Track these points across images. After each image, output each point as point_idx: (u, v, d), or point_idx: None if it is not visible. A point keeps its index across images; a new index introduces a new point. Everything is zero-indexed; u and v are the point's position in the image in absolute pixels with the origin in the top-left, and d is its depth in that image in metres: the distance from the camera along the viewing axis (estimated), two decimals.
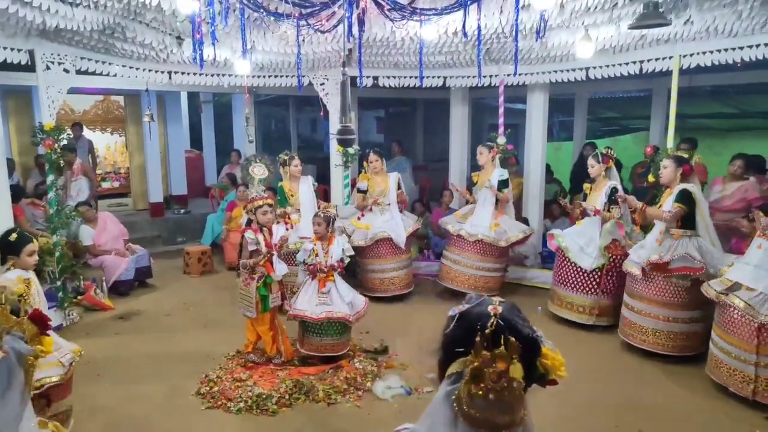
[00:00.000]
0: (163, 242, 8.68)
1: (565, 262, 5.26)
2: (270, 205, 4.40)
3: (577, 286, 5.16)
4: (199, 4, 3.32)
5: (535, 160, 6.83)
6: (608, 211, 5.05)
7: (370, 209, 6.13)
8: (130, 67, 5.80)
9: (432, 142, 11.92)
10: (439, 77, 6.69)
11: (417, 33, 5.13)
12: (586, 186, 5.46)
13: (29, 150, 8.52)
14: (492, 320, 1.17)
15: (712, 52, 4.91)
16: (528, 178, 6.92)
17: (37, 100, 5.78)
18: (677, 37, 4.96)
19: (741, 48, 4.72)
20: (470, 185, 6.69)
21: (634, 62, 5.48)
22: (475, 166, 6.49)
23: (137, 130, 9.40)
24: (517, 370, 1.14)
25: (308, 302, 4.34)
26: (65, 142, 5.30)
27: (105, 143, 9.92)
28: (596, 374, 4.32)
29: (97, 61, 5.50)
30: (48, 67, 5.16)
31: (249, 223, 4.40)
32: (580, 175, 7.44)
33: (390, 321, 5.39)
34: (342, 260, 4.49)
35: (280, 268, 4.38)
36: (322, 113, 6.37)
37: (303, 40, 5.16)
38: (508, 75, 6.34)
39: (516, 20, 3.68)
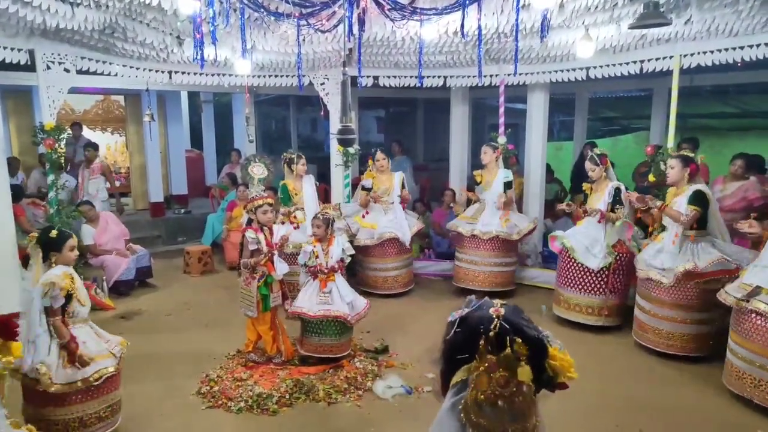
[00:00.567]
0: (163, 242, 8.68)
1: (570, 264, 5.18)
2: (270, 205, 4.40)
3: (585, 287, 5.09)
4: (200, 4, 3.32)
5: (536, 159, 6.82)
6: (613, 211, 5.03)
7: (375, 202, 6.20)
8: (131, 67, 5.81)
9: (432, 141, 11.92)
10: (439, 77, 6.69)
11: (417, 33, 5.13)
12: (586, 186, 5.42)
13: (30, 150, 8.53)
14: (495, 322, 1.11)
15: (712, 51, 4.91)
16: (528, 177, 6.92)
17: (38, 99, 5.79)
18: (678, 36, 4.96)
19: (741, 48, 4.72)
20: (470, 184, 6.70)
21: (635, 62, 5.48)
22: (475, 166, 6.50)
23: (137, 129, 9.40)
24: (525, 373, 1.07)
25: (308, 300, 4.35)
26: (64, 141, 5.31)
27: (105, 143, 9.96)
28: (601, 375, 4.30)
29: (97, 61, 5.50)
30: (48, 67, 5.16)
31: (249, 222, 4.40)
32: (580, 175, 7.42)
33: (390, 320, 5.39)
34: (342, 260, 4.49)
35: (280, 268, 4.39)
36: (322, 113, 6.37)
37: (303, 40, 5.16)
38: (509, 75, 6.34)
39: (516, 20, 3.67)
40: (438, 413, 1.12)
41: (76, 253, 3.26)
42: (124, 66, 5.74)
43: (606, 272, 5.02)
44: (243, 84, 6.49)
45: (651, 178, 5.37)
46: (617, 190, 5.05)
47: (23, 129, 8.57)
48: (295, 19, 3.67)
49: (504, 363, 1.06)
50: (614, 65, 5.64)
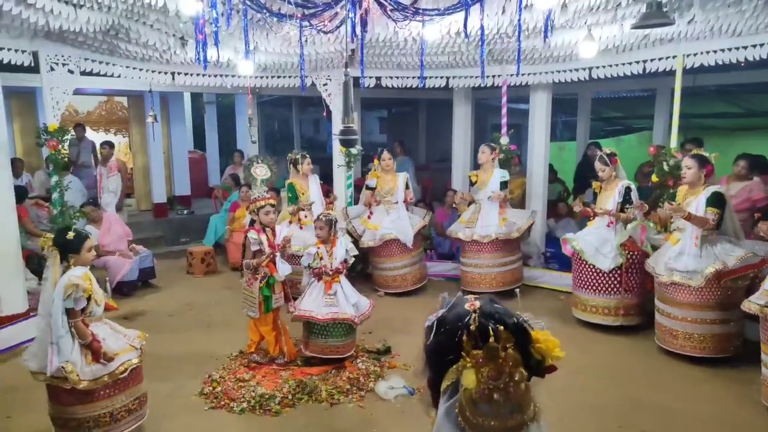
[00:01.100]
0: (166, 243, 8.70)
1: (582, 266, 5.13)
2: (272, 206, 4.41)
3: (598, 288, 5.05)
4: (203, 5, 3.33)
5: (538, 160, 6.81)
6: (623, 210, 5.00)
7: (377, 204, 6.23)
8: (134, 68, 5.83)
9: (434, 142, 11.92)
10: (441, 77, 6.69)
11: (419, 33, 5.13)
12: (595, 185, 5.33)
13: (33, 151, 8.56)
14: (473, 316, 1.08)
15: (715, 51, 4.90)
16: (531, 178, 6.91)
17: (41, 101, 5.81)
18: (681, 36, 4.94)
19: (745, 47, 4.71)
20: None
21: (638, 62, 5.47)
22: (478, 166, 6.48)
23: (141, 130, 9.43)
24: (514, 359, 1.04)
25: (314, 303, 4.34)
26: (68, 143, 5.33)
27: None
28: (607, 374, 4.31)
29: (101, 62, 5.52)
30: (52, 69, 5.18)
31: (252, 223, 4.41)
32: (583, 175, 7.42)
33: (393, 321, 5.39)
34: (346, 261, 4.49)
35: (283, 269, 4.39)
36: (324, 114, 6.39)
37: (306, 41, 5.16)
38: (511, 75, 6.33)
39: (519, 20, 3.67)
40: (435, 423, 1.08)
41: (94, 253, 3.29)
42: (127, 67, 5.76)
43: (619, 272, 4.96)
44: (246, 85, 6.51)
45: (654, 178, 5.35)
46: (627, 189, 5.02)
47: (27, 130, 8.60)
48: (298, 20, 3.67)
49: (491, 354, 1.01)
50: (617, 65, 5.63)
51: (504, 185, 6.00)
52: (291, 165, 6.25)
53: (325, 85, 6.75)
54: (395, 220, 6.15)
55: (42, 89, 5.27)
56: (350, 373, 4.27)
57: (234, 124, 11.43)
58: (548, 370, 1.13)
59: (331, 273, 4.38)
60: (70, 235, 3.15)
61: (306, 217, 6.01)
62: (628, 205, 5.00)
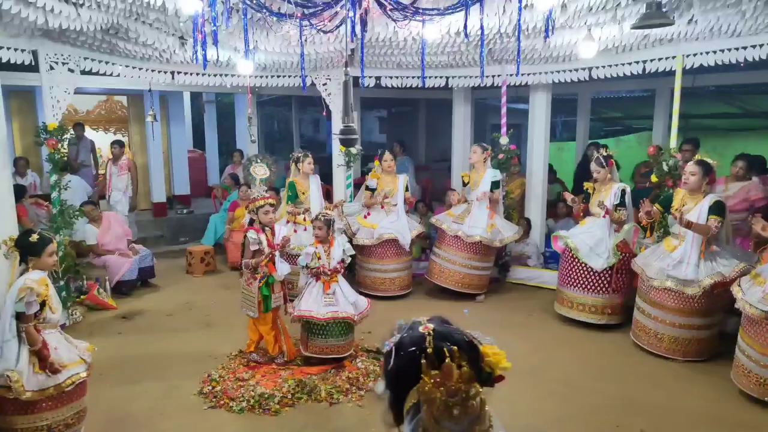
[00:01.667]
0: (166, 242, 8.69)
1: (574, 263, 5.17)
2: (272, 205, 4.41)
3: (589, 287, 5.10)
4: (203, 4, 3.32)
5: (538, 160, 6.82)
6: (615, 211, 5.03)
7: (382, 207, 6.19)
8: (134, 68, 5.82)
9: (434, 142, 11.91)
10: (441, 77, 6.69)
11: (419, 33, 5.12)
12: (588, 185, 5.40)
13: (33, 150, 8.55)
14: (428, 339, 1.16)
15: (715, 52, 4.90)
16: (531, 178, 6.91)
17: (41, 100, 5.80)
18: (680, 36, 4.95)
19: (744, 48, 4.71)
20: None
21: (637, 62, 5.47)
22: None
23: (140, 130, 9.42)
24: (468, 376, 1.13)
25: (314, 303, 4.34)
26: (67, 142, 5.33)
27: (108, 143, 9.95)
28: (601, 374, 4.31)
29: (100, 62, 5.51)
30: (52, 68, 5.17)
31: (251, 223, 4.40)
32: (583, 176, 7.41)
33: (391, 321, 5.36)
34: (343, 260, 4.49)
35: (282, 268, 4.39)
36: (324, 113, 6.38)
37: (306, 40, 5.15)
38: (511, 75, 6.33)
39: (519, 20, 3.66)
40: None
41: (55, 258, 3.17)
42: (126, 66, 5.75)
43: (610, 272, 5.02)
44: (245, 84, 6.50)
45: (653, 178, 5.36)
46: (623, 192, 5.07)
47: (27, 129, 8.59)
48: (298, 20, 3.67)
49: (448, 373, 1.11)
50: (617, 65, 5.63)
51: (495, 185, 5.96)
52: (293, 163, 6.26)
53: (324, 84, 6.75)
54: (394, 221, 6.11)
55: (41, 88, 5.26)
56: (349, 372, 4.27)
57: (233, 124, 11.42)
58: (497, 380, 1.22)
59: (329, 273, 4.37)
60: (34, 237, 3.06)
61: (304, 220, 5.99)
62: (620, 207, 5.04)
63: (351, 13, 3.14)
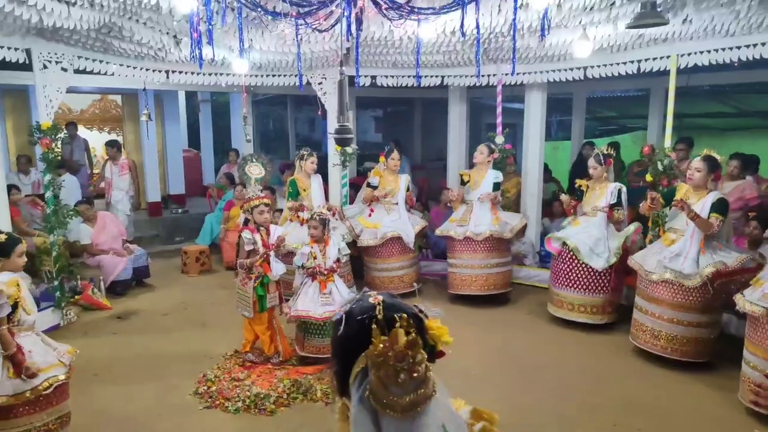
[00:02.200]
0: (161, 242, 8.66)
1: (572, 264, 5.07)
2: (267, 205, 4.40)
3: (589, 287, 5.03)
4: (197, 3, 3.31)
5: (533, 159, 6.83)
6: (612, 210, 5.04)
7: (377, 201, 6.19)
8: (128, 66, 5.79)
9: (430, 141, 11.92)
10: (437, 76, 6.69)
11: (415, 32, 5.12)
12: (581, 183, 5.37)
13: (27, 149, 8.50)
14: (378, 307, 1.21)
15: (709, 51, 4.91)
16: (526, 177, 6.92)
17: (34, 98, 5.77)
18: (675, 36, 4.96)
19: (738, 47, 4.72)
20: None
21: (632, 61, 5.48)
22: (473, 165, 6.48)
23: (135, 129, 9.39)
24: (415, 343, 1.17)
25: (310, 303, 4.33)
26: (61, 141, 5.31)
27: (102, 142, 9.92)
28: (599, 373, 4.32)
29: (94, 60, 5.48)
30: (45, 66, 5.14)
31: (246, 222, 4.39)
32: (578, 175, 7.42)
33: None
34: (339, 260, 4.49)
35: (277, 268, 4.38)
36: (320, 112, 6.37)
37: (301, 40, 5.15)
38: (506, 74, 6.33)
39: (514, 19, 3.67)
40: (351, 409, 1.21)
41: (25, 259, 3.09)
42: (121, 65, 5.72)
43: (609, 271, 5.00)
44: (240, 83, 6.49)
45: (648, 177, 5.38)
46: (620, 191, 5.07)
47: (20, 128, 8.55)
48: (293, 19, 3.66)
49: (397, 339, 1.16)
50: (611, 65, 5.64)
51: (497, 186, 5.95)
52: (297, 160, 6.31)
53: (320, 83, 6.74)
54: (396, 219, 6.10)
55: (35, 87, 5.23)
56: None
57: (229, 123, 11.40)
58: (438, 355, 1.27)
59: (325, 272, 4.37)
60: (1, 237, 2.97)
61: (300, 216, 5.99)
62: (618, 207, 5.04)
63: (346, 12, 3.13)
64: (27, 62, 5.04)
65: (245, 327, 4.54)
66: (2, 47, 4.74)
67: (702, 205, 4.23)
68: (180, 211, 9.47)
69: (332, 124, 6.58)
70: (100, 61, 5.53)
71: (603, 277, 5.02)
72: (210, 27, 3.33)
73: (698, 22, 4.62)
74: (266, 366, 4.38)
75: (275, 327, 4.50)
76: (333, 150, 6.83)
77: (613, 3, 4.48)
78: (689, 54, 5.04)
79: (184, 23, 4.38)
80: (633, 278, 4.88)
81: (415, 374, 1.15)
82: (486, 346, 4.80)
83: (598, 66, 5.75)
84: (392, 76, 6.70)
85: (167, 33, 5.18)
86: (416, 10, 3.66)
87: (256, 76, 6.64)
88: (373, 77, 6.69)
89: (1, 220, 4.87)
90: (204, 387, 4.07)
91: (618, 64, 5.59)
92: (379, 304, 1.23)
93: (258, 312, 4.34)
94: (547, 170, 7.86)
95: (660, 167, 5.18)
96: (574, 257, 5.06)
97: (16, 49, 4.87)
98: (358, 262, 6.39)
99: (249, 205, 4.37)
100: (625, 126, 12.91)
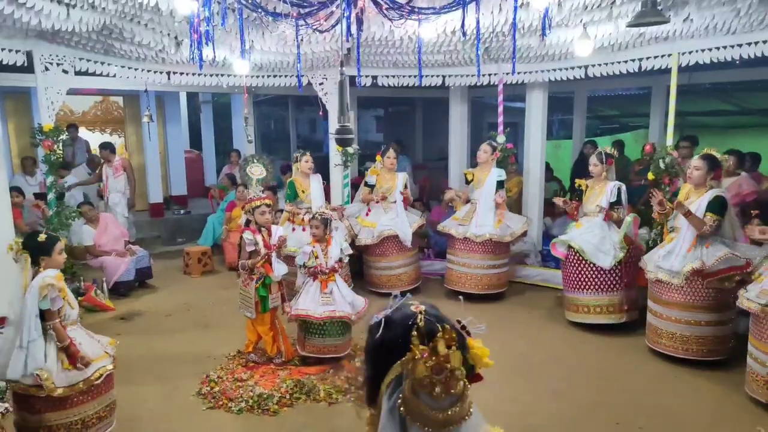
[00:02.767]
0: (163, 243, 8.68)
1: (581, 265, 4.99)
2: (268, 206, 4.40)
3: (601, 287, 4.95)
4: (197, 4, 3.31)
5: (535, 158, 6.82)
6: (612, 210, 5.03)
7: (377, 202, 6.19)
8: (129, 68, 5.81)
9: (431, 141, 11.92)
10: (438, 76, 6.69)
11: (415, 32, 5.13)
12: (581, 182, 5.35)
13: (29, 151, 8.52)
14: (419, 316, 1.17)
15: (711, 49, 4.91)
16: (527, 176, 6.92)
17: (36, 101, 5.78)
18: (676, 34, 4.96)
19: (740, 45, 4.72)
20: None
21: (633, 60, 5.48)
22: (475, 165, 6.48)
23: (136, 130, 9.40)
24: (456, 358, 1.12)
25: (311, 302, 4.33)
26: (62, 143, 5.32)
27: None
28: (602, 372, 4.32)
29: (95, 62, 5.50)
30: (46, 68, 5.16)
31: (248, 223, 4.40)
32: (580, 174, 7.43)
33: None
34: (341, 260, 4.49)
35: (279, 269, 4.38)
36: (321, 113, 6.38)
37: (302, 40, 5.15)
38: (507, 73, 6.33)
39: (514, 18, 3.67)
40: (381, 417, 1.16)
41: (65, 256, 3.23)
42: (122, 67, 5.74)
43: (619, 267, 4.93)
44: (242, 84, 6.50)
45: (650, 176, 5.37)
46: (620, 190, 5.04)
47: (22, 130, 8.57)
48: (293, 19, 3.66)
49: (436, 350, 1.11)
50: (613, 63, 5.64)
51: (501, 185, 5.96)
52: (294, 162, 6.29)
53: (321, 84, 6.75)
54: (393, 218, 6.11)
55: (36, 89, 5.24)
56: (348, 372, 4.26)
57: (230, 124, 11.41)
58: (475, 378, 1.21)
59: (326, 272, 4.37)
60: (42, 237, 3.11)
61: (303, 220, 5.99)
62: (618, 206, 5.03)
63: (346, 13, 3.14)
64: (28, 64, 5.06)
65: (248, 327, 4.54)
66: (3, 50, 4.76)
67: (699, 203, 4.21)
68: (182, 212, 9.48)
69: (333, 125, 6.59)
70: (102, 63, 5.55)
71: (613, 275, 4.94)
72: (209, 28, 3.34)
73: (699, 20, 4.61)
74: (269, 366, 4.39)
75: (278, 327, 4.50)
76: (334, 150, 6.83)
77: (614, 2, 4.48)
78: (690, 52, 5.03)
79: (185, 24, 4.39)
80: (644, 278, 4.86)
81: (452, 390, 1.10)
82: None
83: (599, 65, 5.75)
84: (393, 76, 6.71)
85: (168, 34, 5.19)
86: (417, 10, 3.66)
87: (257, 76, 6.65)
88: (374, 77, 6.69)
89: (4, 222, 4.88)
90: (207, 387, 4.07)
91: (619, 62, 5.59)
92: (420, 312, 1.19)
93: (260, 312, 4.34)
94: (548, 169, 7.86)
95: (661, 165, 5.18)
96: (581, 259, 4.99)
97: (17, 52, 4.89)
98: (358, 262, 6.40)
99: (250, 206, 4.37)
100: (626, 124, 12.90)
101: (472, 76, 6.51)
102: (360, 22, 3.53)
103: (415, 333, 1.14)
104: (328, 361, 4.38)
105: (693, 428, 3.56)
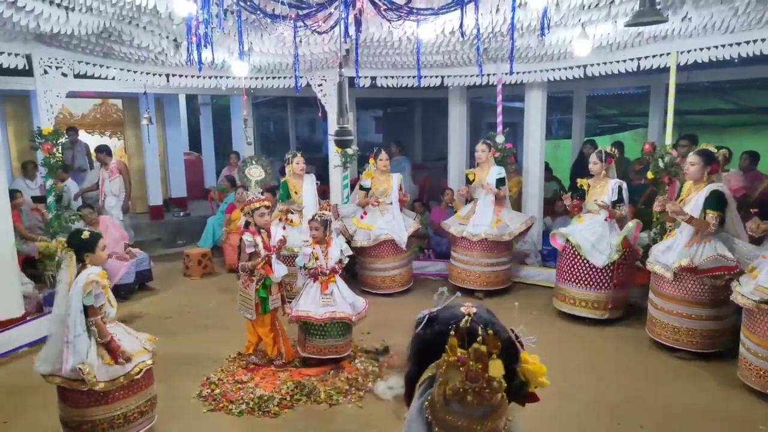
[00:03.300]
0: (163, 245, 8.67)
1: (575, 260, 5.16)
2: (267, 207, 4.40)
3: (591, 283, 5.10)
4: (196, 7, 3.32)
5: (534, 158, 6.83)
6: (614, 208, 5.06)
7: (373, 205, 6.20)
8: (128, 71, 5.81)
9: (430, 141, 11.92)
10: (436, 77, 6.69)
11: (414, 33, 5.13)
12: (582, 182, 5.40)
13: (28, 154, 8.53)
14: (467, 318, 1.06)
15: (709, 48, 4.92)
16: (527, 176, 6.92)
17: (36, 104, 5.78)
18: (674, 33, 4.96)
19: (738, 44, 4.72)
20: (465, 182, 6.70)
21: (632, 59, 5.48)
22: (474, 165, 6.49)
23: (136, 133, 9.40)
24: (497, 368, 1.00)
25: (311, 303, 4.33)
26: (62, 146, 5.32)
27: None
28: (602, 370, 4.32)
29: (94, 65, 5.50)
30: (46, 72, 5.16)
31: (247, 225, 4.40)
32: (579, 173, 7.44)
33: (390, 321, 5.38)
34: (341, 261, 4.49)
35: (279, 270, 4.38)
36: (320, 114, 6.38)
37: (300, 41, 5.16)
38: (506, 73, 6.33)
39: (512, 18, 3.67)
40: (407, 417, 1.07)
41: (107, 252, 3.33)
42: (121, 69, 5.74)
43: (611, 267, 5.03)
44: (241, 86, 6.50)
45: (649, 175, 5.38)
46: (620, 188, 5.10)
47: (22, 134, 8.57)
48: (292, 21, 3.67)
49: (475, 356, 1.00)
50: (611, 63, 5.65)
51: (501, 182, 6.00)
52: (287, 164, 6.28)
53: (320, 85, 6.75)
54: (390, 221, 6.13)
55: (36, 92, 5.24)
56: (349, 373, 4.27)
57: (229, 126, 11.42)
58: (530, 397, 1.10)
59: (327, 273, 4.37)
60: (85, 234, 3.20)
61: (292, 222, 5.99)
62: (619, 204, 5.06)
63: (344, 15, 3.14)
64: (28, 68, 5.06)
65: (248, 329, 4.54)
66: (3, 53, 4.76)
67: (696, 199, 4.22)
68: (182, 214, 9.48)
69: (332, 126, 6.59)
70: (101, 66, 5.55)
71: (605, 274, 5.06)
72: (208, 30, 3.34)
73: (697, 19, 4.62)
74: (269, 368, 4.38)
75: (278, 329, 4.50)
76: (334, 151, 6.83)
77: (612, 1, 4.48)
78: (689, 51, 5.04)
79: (184, 27, 4.39)
80: (644, 276, 4.98)
81: (486, 401, 0.98)
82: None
83: (598, 64, 5.75)
84: (392, 77, 6.71)
85: (167, 37, 5.19)
86: (415, 10, 3.67)
87: (256, 78, 6.65)
88: (373, 78, 6.70)
89: (4, 225, 4.88)
90: (208, 390, 4.07)
91: (618, 62, 5.59)
92: (469, 315, 1.07)
93: (261, 314, 4.34)
94: (548, 169, 7.86)
95: (661, 164, 5.18)
96: (576, 253, 5.14)
97: (16, 55, 4.89)
98: (353, 262, 6.39)
99: (249, 208, 4.37)
100: (625, 124, 12.90)
101: (471, 76, 6.52)
102: (358, 23, 3.54)
103: (452, 333, 1.03)
104: (328, 362, 4.38)
105: (694, 423, 3.56)
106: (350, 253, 4.71)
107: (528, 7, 4.61)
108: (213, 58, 5.49)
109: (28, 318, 5.00)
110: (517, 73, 6.27)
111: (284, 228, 5.87)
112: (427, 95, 9.93)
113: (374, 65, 6.47)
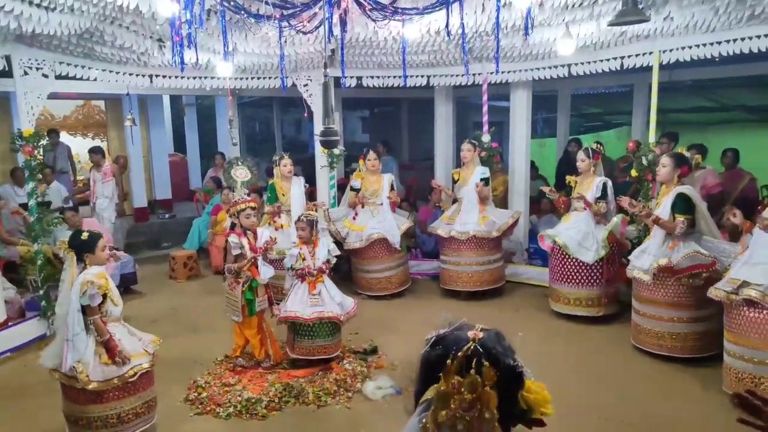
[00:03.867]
0: (148, 247, 8.58)
1: (564, 260, 5.20)
2: (253, 208, 4.37)
3: (582, 281, 5.13)
4: (179, 7, 3.28)
5: (520, 157, 6.86)
6: (596, 204, 5.12)
7: (362, 206, 6.18)
8: (111, 71, 5.72)
9: (417, 141, 11.94)
10: (422, 76, 6.69)
11: (399, 33, 5.13)
12: (571, 179, 5.46)
13: (9, 157, 8.38)
14: (469, 345, 1.08)
15: (691, 47, 4.98)
16: (513, 175, 6.95)
17: (16, 105, 5.68)
18: (657, 33, 5.02)
19: (719, 43, 4.79)
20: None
21: (615, 58, 5.53)
22: (460, 165, 6.51)
23: (119, 134, 9.30)
24: (490, 398, 1.04)
25: (299, 304, 4.31)
26: (43, 149, 5.23)
27: (86, 149, 9.80)
28: (590, 368, 4.35)
29: (76, 66, 5.41)
30: (26, 73, 5.06)
31: (233, 226, 4.37)
32: (565, 172, 7.49)
33: (379, 321, 5.38)
34: (329, 261, 4.48)
35: (265, 272, 4.36)
36: (306, 114, 6.35)
37: (285, 42, 5.13)
38: (491, 73, 6.35)
39: (497, 18, 3.69)
40: (408, 425, 1.11)
41: (108, 252, 3.37)
42: (103, 70, 5.65)
43: (600, 263, 5.07)
44: (225, 86, 6.44)
45: (633, 173, 5.44)
46: (605, 185, 5.16)
47: (2, 136, 8.42)
48: (276, 21, 3.64)
49: (469, 386, 1.03)
50: (595, 62, 5.69)
51: (486, 182, 6.02)
52: (275, 166, 6.24)
53: (305, 85, 6.71)
54: (381, 221, 6.10)
55: (16, 94, 5.15)
56: (337, 374, 4.25)
57: (215, 126, 11.33)
58: (536, 422, 1.13)
59: (314, 273, 4.35)
60: (84, 235, 3.24)
61: (277, 221, 5.95)
62: (602, 200, 5.13)
63: (328, 15, 3.13)
64: (7, 69, 4.96)
65: (235, 331, 4.51)
66: None
67: (664, 203, 4.27)
68: (167, 216, 9.39)
69: (318, 126, 6.56)
70: (83, 67, 5.46)
71: (595, 270, 5.10)
72: (191, 30, 3.31)
73: (679, 18, 4.68)
74: (257, 370, 4.36)
75: (265, 331, 4.47)
76: (320, 152, 6.81)
77: (596, 1, 4.52)
78: (671, 50, 5.10)
79: (167, 27, 4.34)
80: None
81: (475, 431, 1.01)
82: None
83: (582, 63, 5.80)
84: (378, 77, 6.70)
85: (150, 37, 5.13)
86: (400, 10, 3.67)
87: (241, 78, 6.60)
88: (359, 78, 6.68)
89: None
90: (195, 393, 4.04)
91: (601, 61, 5.64)
92: (473, 341, 1.09)
93: (247, 316, 4.31)
94: (533, 167, 7.90)
95: (644, 162, 5.24)
96: (564, 253, 5.18)
97: None
98: (346, 264, 6.38)
99: (235, 209, 4.34)
100: (609, 122, 13.02)
101: (457, 76, 6.54)
102: (344, 23, 3.52)
103: (450, 360, 1.05)
104: (317, 363, 4.36)
105: (679, 424, 3.60)
106: (338, 252, 4.70)
107: (513, 6, 4.62)
108: (197, 59, 5.44)
109: (9, 323, 4.91)
110: (503, 72, 6.29)
111: (276, 229, 5.84)
112: (414, 95, 9.93)
113: (360, 65, 6.45)
